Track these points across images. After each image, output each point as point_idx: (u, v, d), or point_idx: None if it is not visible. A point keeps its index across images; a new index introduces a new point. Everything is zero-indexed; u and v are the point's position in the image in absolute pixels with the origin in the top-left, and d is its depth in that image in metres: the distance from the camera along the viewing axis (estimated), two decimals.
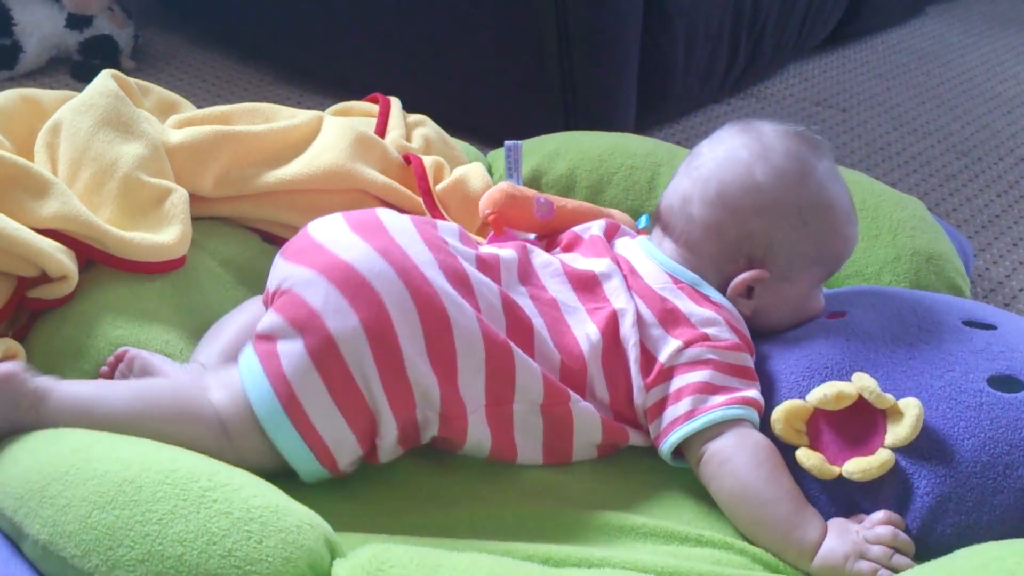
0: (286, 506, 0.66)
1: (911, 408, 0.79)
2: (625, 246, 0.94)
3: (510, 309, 0.82)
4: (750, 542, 0.80)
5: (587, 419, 0.83)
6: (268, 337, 0.76)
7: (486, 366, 0.79)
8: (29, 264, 0.86)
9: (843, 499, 0.81)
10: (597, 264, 0.90)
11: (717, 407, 0.82)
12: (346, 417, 0.75)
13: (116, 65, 1.78)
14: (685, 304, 0.87)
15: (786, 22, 2.03)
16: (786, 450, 0.82)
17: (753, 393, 0.83)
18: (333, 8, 1.76)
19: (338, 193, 1.06)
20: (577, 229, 0.97)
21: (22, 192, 0.90)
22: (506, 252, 0.87)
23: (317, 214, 1.05)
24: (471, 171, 1.14)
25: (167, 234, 0.94)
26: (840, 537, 0.77)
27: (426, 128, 1.22)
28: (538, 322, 0.83)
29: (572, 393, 0.82)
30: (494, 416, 0.81)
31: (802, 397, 0.83)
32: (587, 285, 0.88)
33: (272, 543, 0.63)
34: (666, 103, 1.81)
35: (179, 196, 0.97)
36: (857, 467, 0.79)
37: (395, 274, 0.77)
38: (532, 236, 0.99)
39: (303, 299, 0.76)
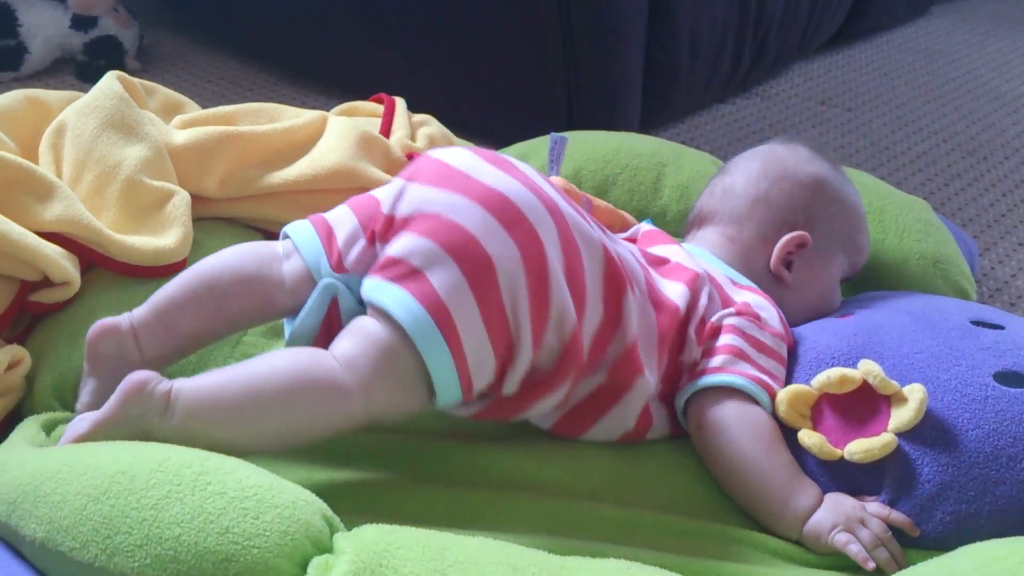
0: (280, 485, 0.66)
1: (915, 393, 0.80)
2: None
3: (620, 259, 0.82)
4: (759, 531, 0.80)
5: (633, 404, 0.83)
6: (406, 263, 0.73)
7: (602, 296, 0.79)
8: (32, 268, 0.86)
9: (844, 483, 0.81)
10: (668, 249, 0.93)
11: (741, 375, 0.83)
12: (492, 341, 0.73)
13: (121, 66, 1.78)
14: (745, 296, 0.91)
15: (791, 21, 2.03)
16: (789, 433, 0.83)
17: (777, 386, 0.85)
18: (337, 8, 1.76)
19: (342, 193, 1.06)
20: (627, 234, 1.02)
21: (26, 195, 0.90)
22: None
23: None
24: None
25: (168, 238, 0.94)
26: (834, 509, 0.79)
27: (430, 128, 1.22)
28: (639, 276, 0.84)
29: (646, 369, 0.82)
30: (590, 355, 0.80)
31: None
32: (663, 262, 0.91)
33: (269, 518, 0.62)
34: (671, 102, 1.81)
35: (181, 199, 0.97)
36: (859, 447, 0.80)
37: (544, 208, 0.76)
38: None
39: (457, 223, 0.73)
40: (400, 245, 0.74)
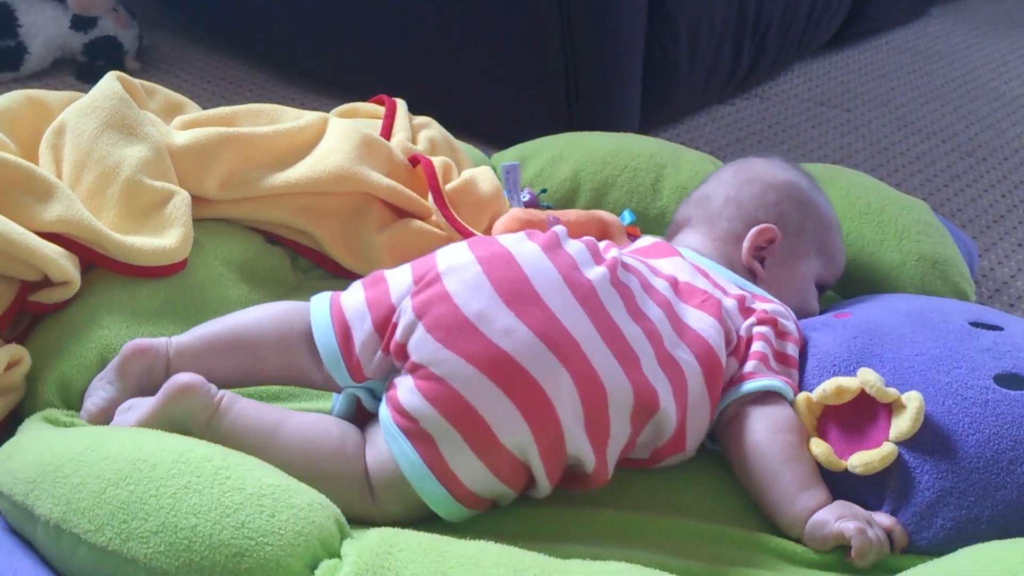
0: (297, 487, 0.68)
1: (912, 401, 0.80)
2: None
3: (658, 347, 0.82)
4: (760, 532, 0.80)
5: (674, 460, 0.85)
6: (414, 421, 0.75)
7: (631, 422, 0.79)
8: (33, 268, 0.87)
9: (847, 492, 0.82)
10: (675, 265, 0.93)
11: (777, 377, 0.86)
12: (502, 479, 0.76)
13: (120, 66, 1.77)
14: (758, 301, 0.92)
15: (790, 22, 2.03)
16: None
17: (794, 381, 0.88)
18: (338, 9, 1.76)
19: (343, 196, 1.06)
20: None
21: (26, 195, 0.90)
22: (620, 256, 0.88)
23: (321, 216, 1.06)
24: (480, 174, 1.15)
25: (168, 238, 0.94)
26: (841, 507, 0.80)
27: (431, 130, 1.22)
28: (671, 338, 0.83)
29: (688, 444, 0.83)
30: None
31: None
32: (674, 283, 0.90)
33: (284, 517, 0.64)
34: (670, 103, 1.81)
35: (181, 199, 0.97)
36: (860, 460, 0.80)
37: (556, 360, 0.76)
38: None
39: (466, 400, 0.74)
40: (410, 399, 0.75)
